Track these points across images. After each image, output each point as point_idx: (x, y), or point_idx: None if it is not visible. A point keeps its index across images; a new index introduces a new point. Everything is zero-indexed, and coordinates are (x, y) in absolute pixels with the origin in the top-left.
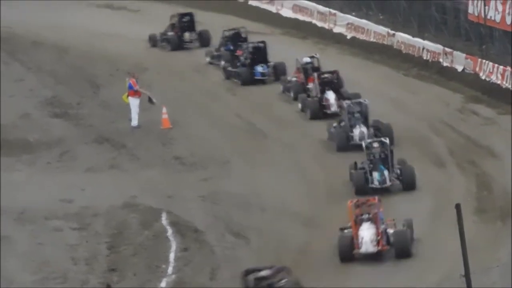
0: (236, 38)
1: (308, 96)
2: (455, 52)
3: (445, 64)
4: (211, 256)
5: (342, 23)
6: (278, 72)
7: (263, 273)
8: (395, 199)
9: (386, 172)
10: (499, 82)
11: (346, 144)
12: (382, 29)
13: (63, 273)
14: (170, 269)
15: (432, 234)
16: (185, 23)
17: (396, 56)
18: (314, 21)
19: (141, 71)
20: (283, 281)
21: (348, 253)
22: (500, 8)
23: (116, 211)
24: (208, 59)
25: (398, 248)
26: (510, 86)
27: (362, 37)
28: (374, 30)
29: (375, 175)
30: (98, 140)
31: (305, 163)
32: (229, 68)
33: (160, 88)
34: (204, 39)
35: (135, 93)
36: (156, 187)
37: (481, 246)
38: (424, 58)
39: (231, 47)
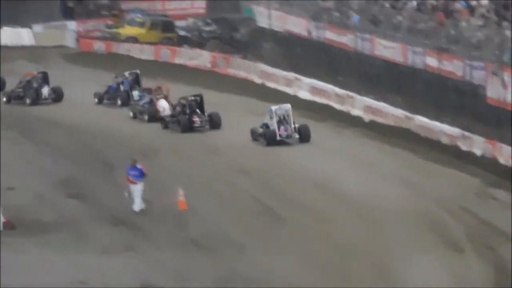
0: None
1: None
2: (473, 136)
3: (463, 148)
4: None
5: (360, 105)
6: None
7: None
8: None
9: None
10: None
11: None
12: (400, 112)
13: None
14: None
15: None
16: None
17: (414, 139)
18: (331, 104)
19: (153, 153)
20: None
21: (273, 138)
22: None
23: None
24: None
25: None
26: None
27: (379, 120)
28: (392, 113)
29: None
30: (113, 222)
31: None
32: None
33: (174, 170)
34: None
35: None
36: (171, 269)
37: None
38: (442, 141)
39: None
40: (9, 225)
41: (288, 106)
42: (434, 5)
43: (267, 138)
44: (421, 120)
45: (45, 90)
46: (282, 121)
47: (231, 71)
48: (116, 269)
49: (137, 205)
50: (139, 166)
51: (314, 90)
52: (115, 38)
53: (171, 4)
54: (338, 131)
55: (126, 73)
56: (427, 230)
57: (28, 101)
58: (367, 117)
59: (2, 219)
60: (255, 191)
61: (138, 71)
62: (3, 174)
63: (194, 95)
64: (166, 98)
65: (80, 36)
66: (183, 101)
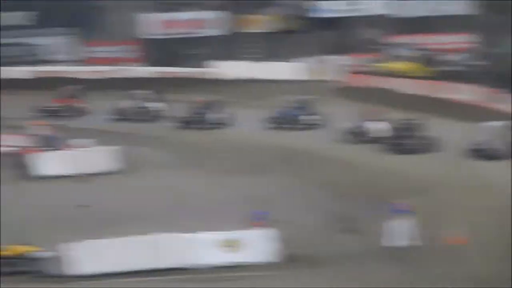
0: None
1: None
2: None
3: None
4: None
5: None
6: None
7: None
8: None
9: None
10: None
11: None
12: None
13: None
14: None
15: None
16: None
17: None
18: None
19: (424, 190)
20: None
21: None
22: None
23: None
24: None
25: None
26: None
27: None
28: None
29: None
30: (386, 257)
31: None
32: None
33: (451, 207)
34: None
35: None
36: None
37: None
38: None
39: None
40: (288, 258)
41: (501, 123)
42: None
43: (485, 153)
44: None
45: (215, 116)
46: (496, 137)
47: (502, 107)
48: None
49: (406, 241)
50: (402, 202)
51: None
52: (381, 72)
53: (437, 38)
54: None
55: (298, 98)
56: None
57: (200, 126)
58: None
59: (280, 251)
60: None
61: (309, 97)
62: (280, 209)
63: (408, 119)
64: (380, 121)
65: (347, 71)
66: (397, 125)
